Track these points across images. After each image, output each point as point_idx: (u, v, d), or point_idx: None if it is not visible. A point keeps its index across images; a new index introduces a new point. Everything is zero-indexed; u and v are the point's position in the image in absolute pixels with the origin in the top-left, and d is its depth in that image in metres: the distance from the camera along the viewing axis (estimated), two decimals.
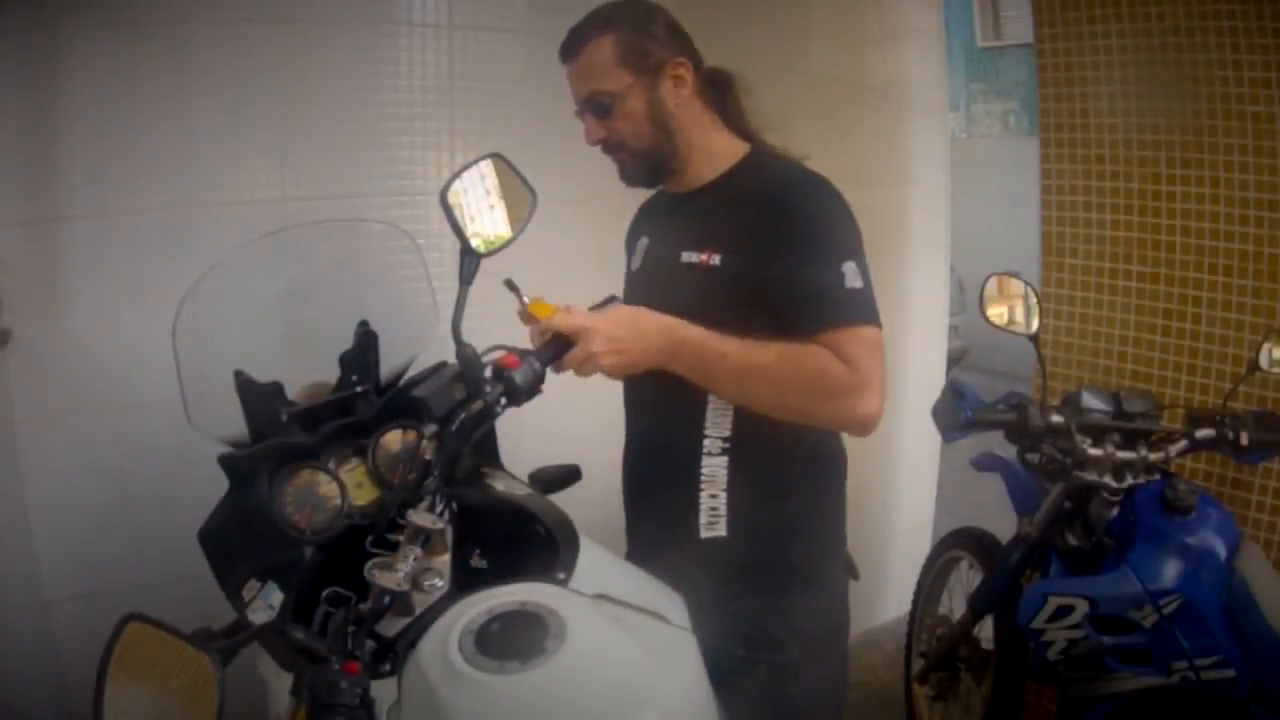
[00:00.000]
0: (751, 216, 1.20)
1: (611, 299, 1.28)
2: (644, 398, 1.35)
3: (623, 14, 1.26)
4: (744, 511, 1.26)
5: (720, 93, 1.32)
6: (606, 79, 1.24)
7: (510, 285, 1.18)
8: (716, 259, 1.21)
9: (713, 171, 1.29)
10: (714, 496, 1.26)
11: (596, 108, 1.25)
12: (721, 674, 1.15)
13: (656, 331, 1.16)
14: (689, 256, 1.24)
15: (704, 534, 1.26)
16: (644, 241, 1.39)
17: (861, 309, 1.16)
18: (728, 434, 1.25)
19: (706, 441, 1.25)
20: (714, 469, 1.26)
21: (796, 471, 1.29)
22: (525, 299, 1.18)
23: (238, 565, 1.11)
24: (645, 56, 1.24)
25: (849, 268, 1.16)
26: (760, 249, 1.18)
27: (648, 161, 1.28)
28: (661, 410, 1.29)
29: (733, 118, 1.32)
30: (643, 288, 1.35)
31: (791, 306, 1.16)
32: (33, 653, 1.76)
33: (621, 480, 1.43)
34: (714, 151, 1.30)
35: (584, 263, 1.96)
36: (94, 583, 1.76)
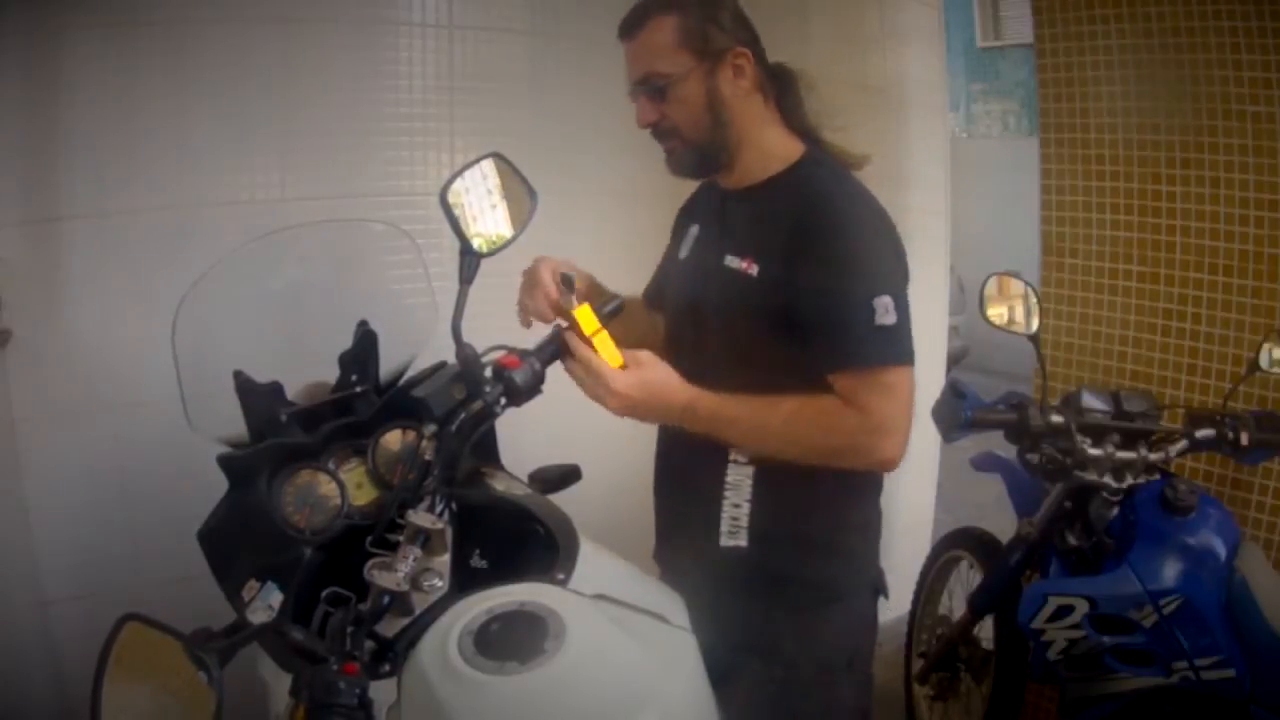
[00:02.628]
0: (791, 231, 1.16)
1: (615, 299, 1.27)
2: None
3: None
4: (766, 523, 1.24)
5: (781, 89, 1.27)
6: (665, 60, 1.19)
7: (567, 281, 1.17)
8: (755, 269, 1.18)
9: (763, 171, 1.24)
10: (737, 506, 1.24)
11: (651, 89, 1.20)
12: (733, 684, 1.14)
13: (677, 405, 1.15)
14: (732, 261, 1.21)
15: (724, 542, 1.25)
16: (695, 230, 1.35)
17: (888, 349, 1.13)
18: None
19: (734, 450, 1.23)
20: (739, 478, 1.24)
21: (826, 488, 1.24)
22: (575, 300, 1.15)
23: (237, 565, 1.11)
24: (706, 41, 1.19)
25: (881, 303, 1.12)
26: (795, 268, 1.14)
27: (699, 152, 1.23)
28: None
29: (792, 116, 1.27)
30: (688, 283, 1.32)
31: (816, 338, 1.14)
32: (33, 653, 1.76)
33: (653, 481, 1.41)
34: (767, 150, 1.24)
35: (584, 262, 1.96)
36: (94, 583, 1.76)
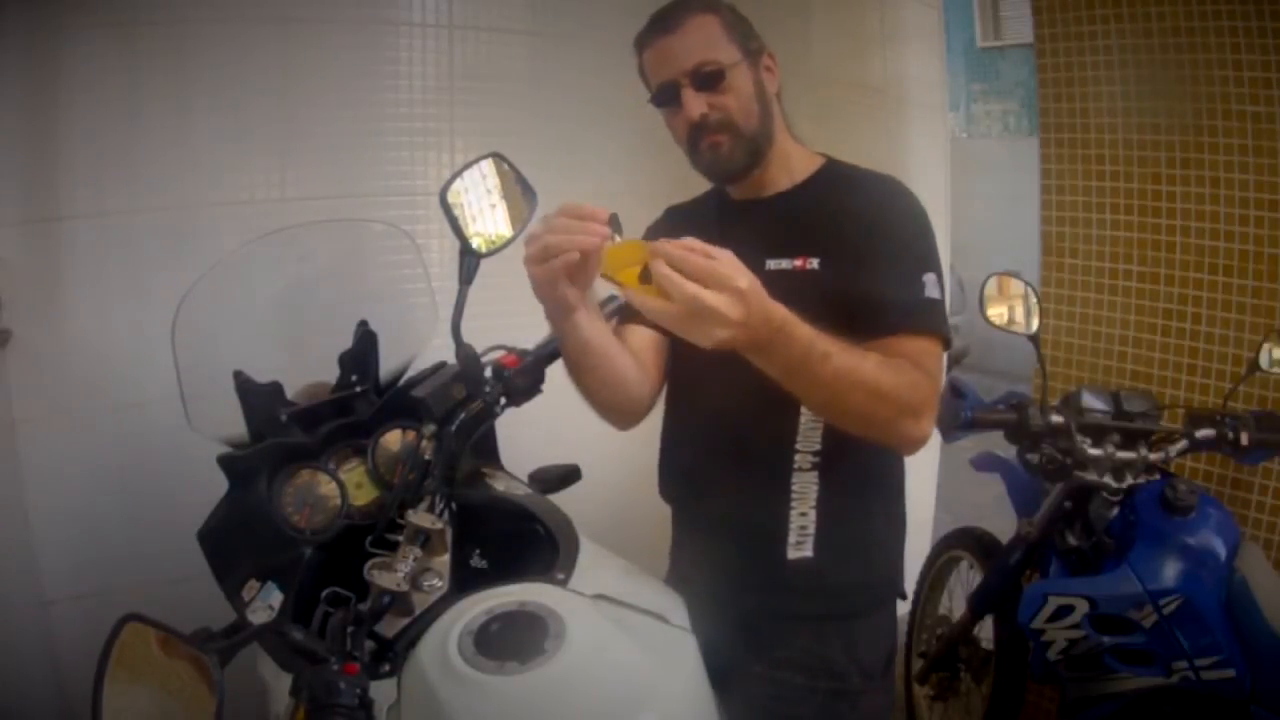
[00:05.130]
0: (849, 223, 1.17)
1: (612, 299, 1.26)
2: (719, 409, 1.24)
3: (720, 1, 1.22)
4: (831, 530, 1.21)
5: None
6: (718, 49, 1.16)
7: (613, 221, 1.00)
8: (814, 263, 1.17)
9: (789, 179, 1.25)
10: (803, 515, 1.21)
11: (704, 79, 1.16)
12: (777, 699, 1.16)
13: (776, 320, 0.94)
14: (778, 264, 1.18)
15: (791, 555, 1.21)
16: None
17: (937, 320, 1.14)
18: (818, 448, 1.20)
19: (797, 457, 1.20)
20: (804, 485, 1.20)
21: (880, 489, 1.26)
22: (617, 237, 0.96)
23: (237, 565, 1.11)
24: (749, 39, 1.21)
25: (929, 278, 1.15)
26: (855, 254, 1.15)
27: (750, 144, 1.20)
28: (747, 423, 1.21)
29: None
30: None
31: (870, 308, 1.12)
32: (33, 653, 1.76)
33: (675, 496, 1.36)
34: (789, 156, 1.25)
35: None
36: (94, 583, 1.76)
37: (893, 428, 1.08)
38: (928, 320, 1.13)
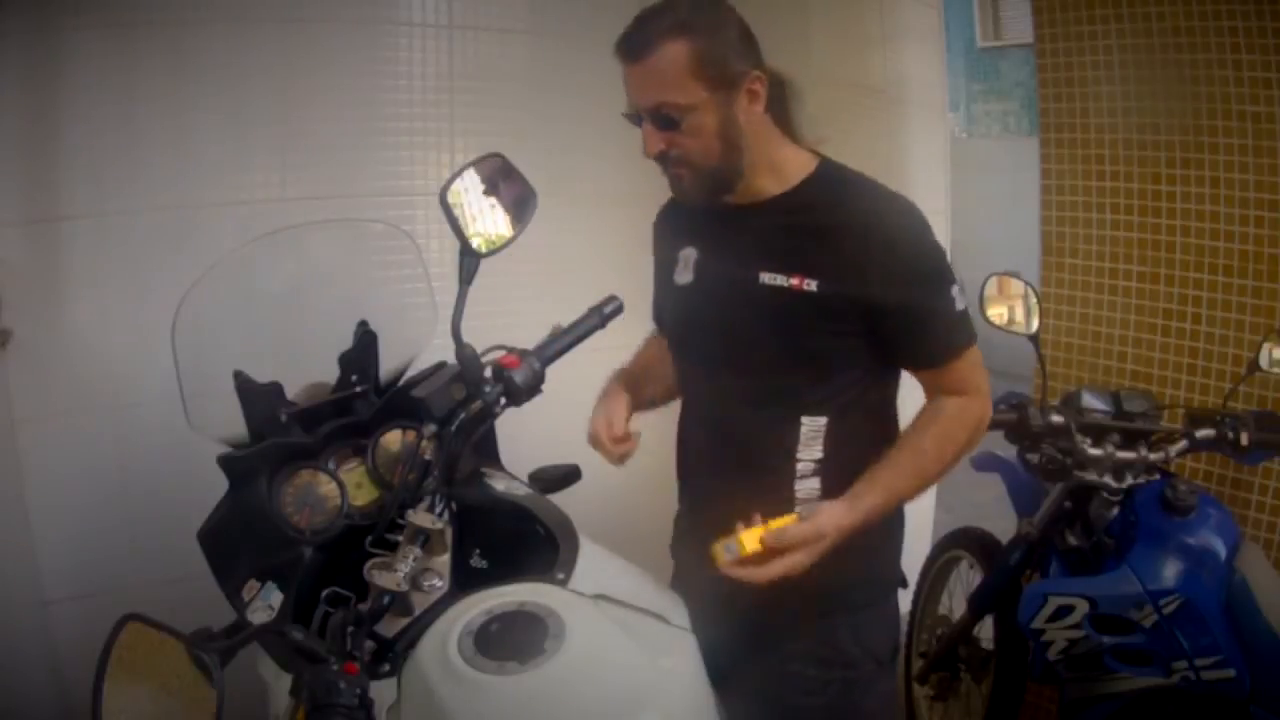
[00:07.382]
0: (850, 244, 1.13)
1: (612, 300, 1.27)
2: (721, 418, 1.26)
3: (700, 19, 1.11)
4: None
5: (777, 100, 1.21)
6: (678, 90, 1.10)
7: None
8: (813, 285, 1.14)
9: (779, 185, 1.20)
10: None
11: (662, 120, 1.12)
12: (788, 691, 1.17)
13: (848, 527, 1.11)
14: (773, 279, 1.15)
15: None
16: (690, 253, 1.27)
17: (970, 328, 1.20)
18: (819, 455, 1.21)
19: (799, 464, 1.21)
20: (807, 491, 1.21)
21: None
22: (738, 539, 1.08)
23: (237, 565, 1.12)
24: (723, 69, 1.11)
25: (954, 290, 1.17)
26: (867, 278, 1.12)
27: (711, 179, 1.16)
28: (749, 433, 1.22)
29: (787, 126, 1.23)
30: (704, 306, 1.25)
31: (910, 337, 1.17)
32: (33, 653, 1.76)
33: (685, 502, 1.37)
34: (780, 165, 1.20)
35: (584, 262, 1.96)
36: (94, 583, 1.76)
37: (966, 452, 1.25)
38: (967, 335, 1.20)
